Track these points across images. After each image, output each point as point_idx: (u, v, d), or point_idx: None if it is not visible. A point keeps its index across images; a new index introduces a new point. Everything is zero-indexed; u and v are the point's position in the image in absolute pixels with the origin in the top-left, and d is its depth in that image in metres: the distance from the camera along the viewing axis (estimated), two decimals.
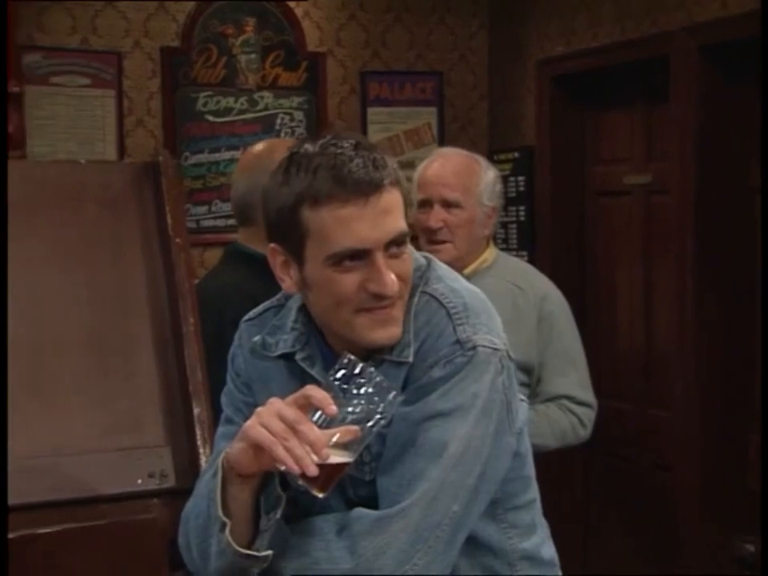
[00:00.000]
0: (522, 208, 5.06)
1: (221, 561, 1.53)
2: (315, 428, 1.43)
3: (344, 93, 5.32)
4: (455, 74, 5.43)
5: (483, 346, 1.56)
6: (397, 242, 1.55)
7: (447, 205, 3.02)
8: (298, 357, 1.64)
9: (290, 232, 1.54)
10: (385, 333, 1.55)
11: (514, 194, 5.06)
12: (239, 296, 2.40)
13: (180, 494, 1.83)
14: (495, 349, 1.57)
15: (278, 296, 1.74)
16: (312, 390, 1.45)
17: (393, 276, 1.53)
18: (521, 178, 5.08)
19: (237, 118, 5.13)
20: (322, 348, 1.65)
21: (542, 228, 4.98)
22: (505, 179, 5.18)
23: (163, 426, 1.98)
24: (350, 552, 1.49)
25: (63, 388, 2.08)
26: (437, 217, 3.02)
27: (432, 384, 1.54)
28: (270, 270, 2.52)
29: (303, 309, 1.66)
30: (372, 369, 1.48)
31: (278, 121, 5.19)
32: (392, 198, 1.53)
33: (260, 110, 5.18)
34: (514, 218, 5.08)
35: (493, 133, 5.41)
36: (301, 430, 1.41)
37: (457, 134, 5.36)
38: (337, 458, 1.43)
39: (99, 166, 2.57)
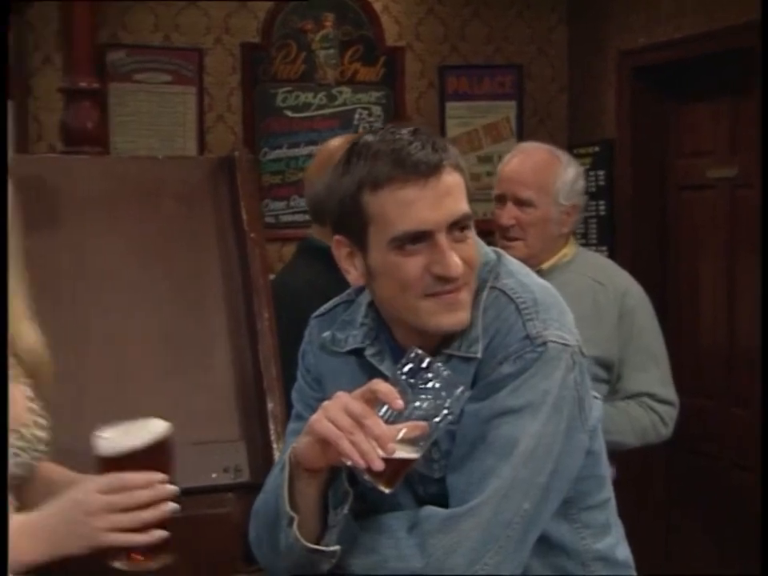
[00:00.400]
0: (601, 203, 5.00)
1: (290, 556, 1.53)
2: (381, 422, 1.42)
3: (422, 87, 5.31)
4: (534, 67, 5.39)
5: (554, 342, 1.53)
6: (459, 224, 1.53)
7: (520, 203, 2.99)
8: (367, 353, 1.63)
9: (352, 221, 1.54)
10: (452, 318, 1.53)
11: (593, 189, 4.99)
12: (313, 292, 2.41)
13: (254, 489, 1.83)
14: (566, 344, 1.55)
15: (348, 291, 1.74)
16: (378, 384, 1.44)
17: (457, 258, 1.50)
18: (600, 172, 5.01)
19: (315, 113, 5.15)
20: (390, 344, 1.63)
21: (622, 223, 4.91)
22: (584, 173, 5.11)
23: (238, 420, 1.99)
24: (419, 550, 1.48)
25: (141, 382, 2.10)
26: (509, 214, 2.99)
27: (502, 380, 1.52)
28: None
29: (372, 305, 1.65)
30: (439, 363, 1.46)
31: (356, 116, 5.20)
32: (452, 180, 1.52)
33: (338, 106, 5.19)
34: (593, 213, 5.02)
35: (572, 126, 5.35)
36: (367, 424, 1.40)
37: (536, 128, 5.31)
38: (403, 453, 1.42)
39: (176, 161, 2.59)
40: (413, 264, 1.51)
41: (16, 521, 1.49)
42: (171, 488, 1.42)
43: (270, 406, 2.10)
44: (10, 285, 1.59)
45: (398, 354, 1.60)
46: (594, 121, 5.17)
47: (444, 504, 1.53)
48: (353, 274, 1.59)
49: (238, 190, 2.20)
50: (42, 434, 1.65)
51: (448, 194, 1.51)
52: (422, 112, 5.29)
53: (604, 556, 1.68)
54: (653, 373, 3.01)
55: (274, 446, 2.09)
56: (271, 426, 2.09)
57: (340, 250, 1.60)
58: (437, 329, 1.54)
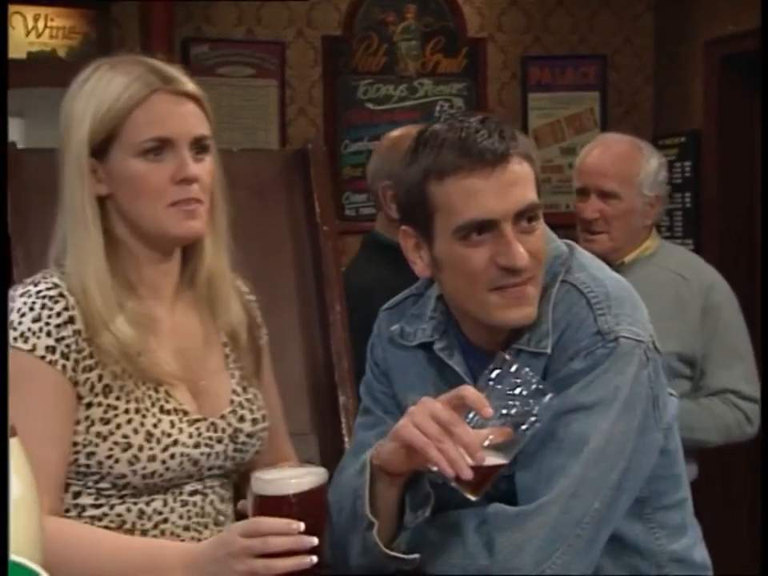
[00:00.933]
0: (687, 195, 4.89)
1: (364, 559, 1.51)
2: (470, 429, 1.38)
3: (504, 78, 5.26)
4: (619, 58, 5.30)
5: (626, 338, 1.49)
6: (526, 214, 1.50)
7: (604, 195, 2.93)
8: (436, 347, 1.60)
9: (418, 210, 1.52)
10: (519, 312, 1.50)
11: (679, 180, 4.89)
12: (376, 288, 2.40)
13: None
14: (639, 341, 1.51)
15: (417, 284, 1.71)
16: (466, 391, 1.41)
17: (523, 249, 1.47)
18: (687, 164, 4.91)
19: (396, 105, 5.14)
20: (459, 338, 1.61)
21: (709, 216, 4.80)
22: (670, 165, 5.00)
23: (309, 413, 1.99)
24: (486, 548, 1.45)
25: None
26: (593, 207, 2.94)
27: (572, 376, 1.48)
28: (403, 256, 2.53)
29: (442, 298, 1.63)
30: (527, 369, 1.42)
31: (438, 108, 5.17)
32: (520, 170, 1.49)
33: (419, 98, 5.17)
34: (679, 205, 4.92)
35: (658, 117, 5.25)
36: (455, 432, 1.37)
37: (620, 119, 5.23)
38: (491, 460, 1.39)
39: (251, 154, 2.61)
40: (478, 255, 1.48)
41: (176, 548, 1.49)
42: (311, 540, 1.38)
43: (341, 399, 2.09)
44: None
45: (467, 349, 1.59)
46: (680, 111, 5.07)
47: (514, 501, 1.50)
48: (419, 265, 1.58)
49: (311, 182, 2.20)
50: (241, 425, 1.64)
51: (515, 184, 1.48)
52: (504, 103, 5.24)
53: (680, 557, 1.64)
54: (737, 369, 2.94)
55: (346, 439, 2.08)
56: (343, 420, 2.08)
57: (406, 240, 1.58)
58: (503, 323, 1.52)
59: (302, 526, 1.37)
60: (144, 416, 1.55)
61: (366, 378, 1.74)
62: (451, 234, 1.49)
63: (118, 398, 1.55)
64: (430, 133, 1.52)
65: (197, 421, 1.60)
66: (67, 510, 1.58)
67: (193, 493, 1.60)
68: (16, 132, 4.20)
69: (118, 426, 1.54)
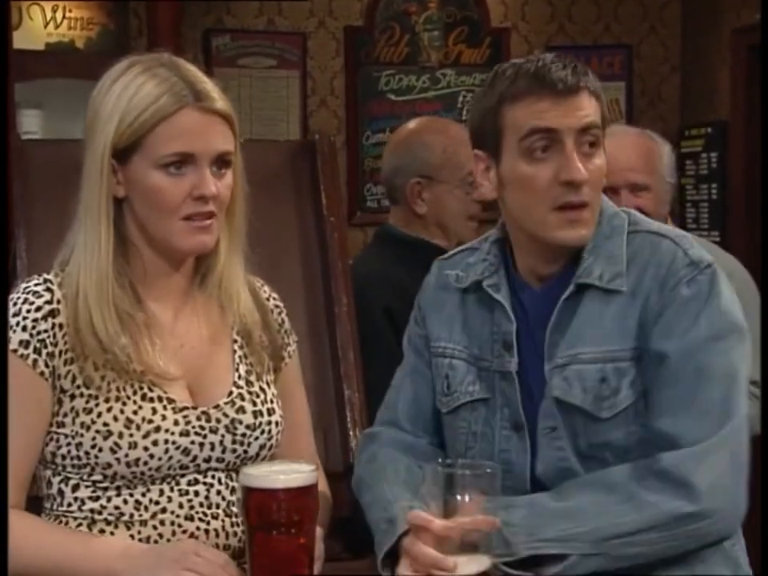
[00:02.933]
0: (714, 186, 4.83)
1: None
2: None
3: None
4: (645, 47, 5.23)
5: (712, 263, 1.58)
6: (589, 134, 1.57)
7: (636, 189, 2.87)
8: (485, 283, 1.66)
9: (489, 132, 1.60)
10: (574, 233, 1.57)
11: (705, 172, 4.83)
12: (383, 282, 2.38)
13: (331, 477, 1.80)
14: (712, 264, 1.59)
15: (475, 240, 1.80)
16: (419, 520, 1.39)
17: (582, 166, 1.55)
18: (713, 155, 4.84)
19: (418, 96, 5.10)
20: (510, 277, 1.66)
21: (735, 207, 4.73)
22: (696, 156, 4.96)
23: (315, 407, 1.95)
24: (678, 491, 1.45)
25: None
26: (629, 203, 2.87)
27: (685, 305, 1.53)
28: (417, 252, 2.51)
29: (496, 242, 1.71)
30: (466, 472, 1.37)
31: (460, 99, 5.13)
32: (588, 103, 1.57)
33: (442, 88, 5.13)
34: (705, 197, 4.86)
35: (684, 107, 5.18)
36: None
37: (645, 110, 5.17)
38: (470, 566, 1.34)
39: (257, 145, 2.57)
40: (542, 173, 1.56)
41: (118, 544, 1.53)
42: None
43: (347, 393, 2.07)
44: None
45: (515, 286, 1.65)
46: (706, 101, 5.00)
47: (604, 458, 1.52)
48: (486, 187, 1.65)
49: (318, 173, 2.17)
50: (240, 416, 1.63)
51: (581, 109, 1.56)
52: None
53: None
54: (756, 359, 2.89)
55: (351, 433, 2.05)
56: (348, 414, 2.05)
57: (477, 164, 1.65)
58: (561, 242, 1.58)
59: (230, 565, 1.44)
60: (124, 403, 1.55)
61: (407, 331, 1.81)
62: (517, 150, 1.57)
63: (99, 388, 1.55)
64: (509, 64, 1.61)
65: (185, 409, 1.58)
66: (69, 505, 1.58)
67: (192, 483, 1.59)
68: (34, 123, 4.20)
69: (99, 415, 1.54)
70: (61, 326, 1.56)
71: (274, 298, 1.77)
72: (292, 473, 1.41)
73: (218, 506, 1.60)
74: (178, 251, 1.61)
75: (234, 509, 1.61)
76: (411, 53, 5.09)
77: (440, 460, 1.44)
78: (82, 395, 1.55)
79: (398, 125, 4.99)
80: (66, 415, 1.55)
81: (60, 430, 1.56)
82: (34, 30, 4.54)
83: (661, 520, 1.44)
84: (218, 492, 1.61)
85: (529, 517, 1.45)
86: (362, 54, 5.04)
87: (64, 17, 4.60)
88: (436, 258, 2.55)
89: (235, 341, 1.68)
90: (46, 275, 1.61)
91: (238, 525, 1.60)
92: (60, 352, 1.55)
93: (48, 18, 4.58)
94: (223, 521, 1.60)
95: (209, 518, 1.59)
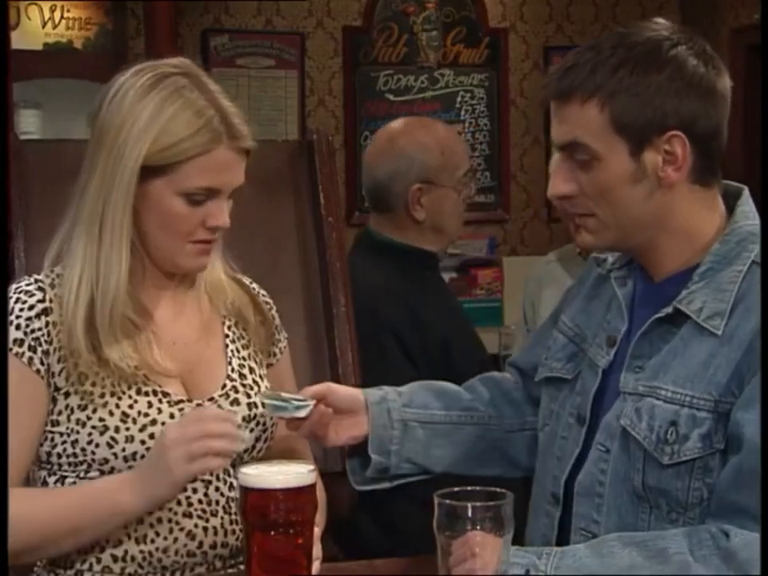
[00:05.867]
0: None
1: None
2: None
3: (526, 69, 5.20)
4: None
5: None
6: (573, 150, 1.46)
7: None
8: (613, 275, 1.56)
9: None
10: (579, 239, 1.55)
11: None
12: (369, 288, 2.34)
13: (330, 477, 1.80)
14: None
15: None
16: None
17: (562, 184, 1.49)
18: None
19: (416, 96, 5.10)
20: (640, 273, 1.54)
21: None
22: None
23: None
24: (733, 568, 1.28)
25: None
26: None
27: None
28: (416, 262, 2.46)
29: None
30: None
31: (459, 99, 5.13)
32: (579, 113, 1.45)
33: (440, 88, 5.13)
34: None
35: None
36: None
37: None
38: None
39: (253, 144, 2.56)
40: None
41: (112, 479, 1.54)
42: (238, 420, 1.54)
43: None
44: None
45: (643, 285, 1.53)
46: None
47: (660, 502, 1.39)
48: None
49: (316, 173, 2.16)
50: (234, 408, 1.64)
51: (563, 123, 1.47)
52: (525, 94, 5.20)
53: None
54: None
55: None
56: None
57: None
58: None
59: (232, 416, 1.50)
60: (120, 398, 1.55)
61: None
62: None
63: (93, 384, 1.55)
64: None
65: (180, 402, 1.59)
66: None
67: (190, 479, 1.58)
68: (32, 123, 4.20)
69: (95, 411, 1.54)
70: (54, 324, 1.56)
71: (264, 295, 1.79)
72: (290, 473, 1.40)
73: (217, 503, 1.60)
74: (179, 269, 1.63)
75: (234, 506, 1.61)
76: (409, 53, 5.09)
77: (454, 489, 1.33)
78: (76, 392, 1.55)
79: None
80: (60, 413, 1.56)
81: (55, 429, 1.56)
82: (32, 30, 4.54)
83: None
84: (217, 488, 1.61)
85: (559, 568, 1.33)
86: (360, 54, 5.04)
87: (62, 17, 4.60)
88: (426, 264, 2.52)
89: (227, 335, 1.69)
90: (36, 276, 1.62)
91: (237, 522, 1.60)
92: (54, 350, 1.56)
93: (46, 18, 4.58)
94: (222, 518, 1.59)
95: (207, 515, 1.59)
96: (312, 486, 1.40)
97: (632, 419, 1.43)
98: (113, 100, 1.58)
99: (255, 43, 5.00)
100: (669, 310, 1.44)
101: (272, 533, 1.37)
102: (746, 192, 1.54)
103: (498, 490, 1.32)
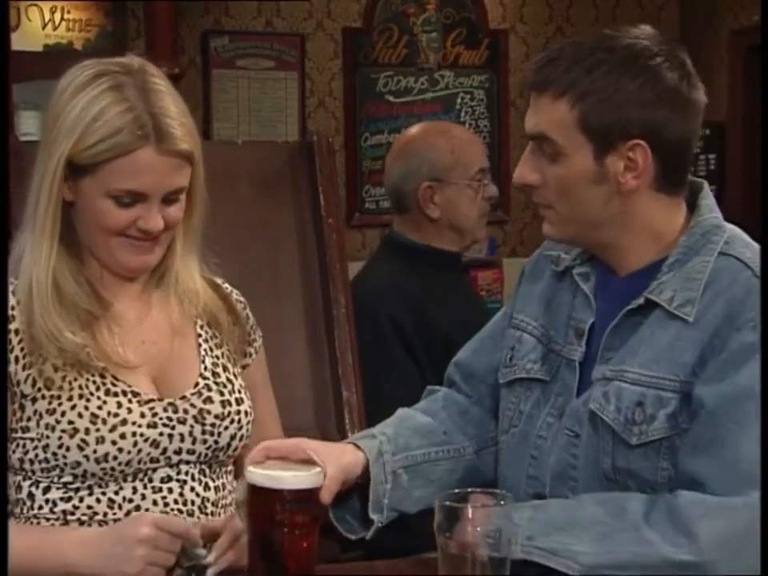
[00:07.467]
0: (712, 188, 4.78)
1: None
2: None
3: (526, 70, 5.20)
4: None
5: None
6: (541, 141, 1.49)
7: None
8: (575, 271, 1.57)
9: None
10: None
11: (703, 173, 4.83)
12: (392, 290, 2.35)
13: None
14: None
15: None
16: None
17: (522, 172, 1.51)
18: (711, 156, 4.84)
19: (416, 97, 5.10)
20: (602, 268, 1.55)
21: (733, 210, 4.72)
22: (695, 157, 4.95)
23: (312, 409, 1.96)
24: (679, 536, 1.34)
25: None
26: None
27: (744, 351, 1.39)
28: (429, 261, 2.48)
29: None
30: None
31: (459, 100, 5.13)
32: (550, 106, 1.46)
33: (440, 90, 5.13)
34: None
35: None
36: None
37: None
38: None
39: (255, 146, 2.58)
40: None
41: (74, 530, 1.52)
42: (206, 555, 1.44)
43: (345, 394, 2.05)
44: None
45: (604, 279, 1.54)
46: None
47: (629, 483, 1.43)
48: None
49: (316, 175, 2.16)
50: (208, 406, 1.62)
51: (534, 114, 1.49)
52: (525, 96, 5.18)
53: None
54: None
55: (349, 435, 2.04)
56: (346, 415, 2.04)
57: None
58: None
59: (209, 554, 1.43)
60: (88, 400, 1.53)
61: None
62: None
63: (60, 388, 1.53)
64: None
65: (150, 401, 1.57)
66: (40, 507, 1.56)
67: (166, 479, 1.58)
68: (32, 125, 4.20)
69: (63, 414, 1.52)
70: (17, 332, 1.54)
71: (237, 294, 1.76)
72: (299, 473, 1.40)
73: (192, 503, 1.59)
74: (120, 267, 1.59)
75: (209, 506, 1.60)
76: (409, 54, 5.09)
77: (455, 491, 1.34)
78: (43, 397, 1.53)
79: (396, 126, 5.06)
80: (29, 419, 1.53)
81: (26, 435, 1.54)
82: (33, 32, 4.54)
83: (655, 561, 1.35)
84: (192, 489, 1.59)
85: (531, 520, 1.39)
86: (360, 55, 5.04)
87: (62, 18, 4.60)
88: (447, 264, 2.54)
89: (200, 335, 1.67)
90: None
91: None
92: (16, 358, 1.54)
93: (46, 20, 4.58)
94: (198, 518, 1.57)
95: (184, 515, 1.57)
96: (319, 489, 1.40)
97: (600, 403, 1.47)
98: (53, 99, 1.56)
99: (255, 44, 5.00)
100: (640, 301, 1.47)
101: (277, 533, 1.37)
102: (706, 186, 1.59)
103: (498, 491, 1.35)
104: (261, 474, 1.38)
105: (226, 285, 1.75)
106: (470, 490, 1.33)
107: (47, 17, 4.58)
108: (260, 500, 1.37)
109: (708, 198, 1.56)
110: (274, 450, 1.45)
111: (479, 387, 1.72)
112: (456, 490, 1.33)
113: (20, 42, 4.33)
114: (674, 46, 1.49)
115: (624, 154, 1.45)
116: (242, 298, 1.76)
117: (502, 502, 1.31)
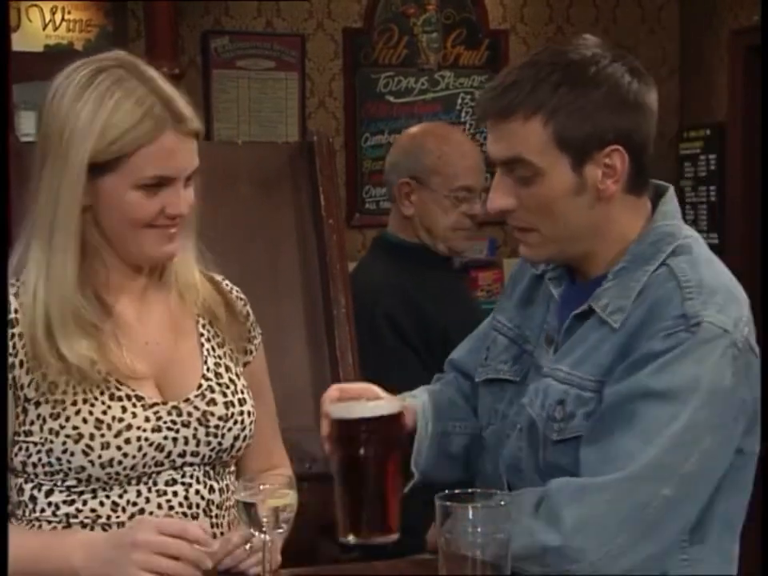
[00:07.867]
0: (712, 188, 4.83)
1: None
2: None
3: None
4: (643, 49, 5.22)
5: (711, 324, 1.43)
6: (515, 166, 1.52)
7: None
8: (547, 276, 1.62)
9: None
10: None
11: (704, 174, 4.83)
12: (386, 290, 2.36)
13: (329, 479, 1.79)
14: (725, 330, 1.43)
15: None
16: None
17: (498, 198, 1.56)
18: (711, 157, 4.84)
19: (417, 98, 5.10)
20: (567, 273, 1.61)
21: (733, 210, 4.73)
22: (694, 158, 4.96)
23: (313, 409, 1.95)
24: (551, 524, 1.40)
25: None
26: None
27: (648, 358, 1.43)
28: (417, 259, 2.50)
29: None
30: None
31: (459, 101, 5.13)
32: (521, 130, 1.50)
33: (441, 90, 5.12)
34: (704, 199, 4.85)
35: (682, 109, 5.18)
36: None
37: None
38: None
39: (255, 146, 2.58)
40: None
41: (77, 533, 1.52)
42: (206, 562, 1.43)
43: None
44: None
45: (567, 284, 1.60)
46: (704, 103, 5.00)
47: (559, 475, 1.47)
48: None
49: (316, 175, 2.17)
50: (211, 408, 1.64)
51: (500, 141, 1.52)
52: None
53: None
54: None
55: None
56: None
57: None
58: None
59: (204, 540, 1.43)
60: (92, 405, 1.54)
61: None
62: None
63: (64, 392, 1.53)
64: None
65: (154, 405, 1.57)
66: (42, 510, 1.56)
67: (170, 482, 1.58)
68: (32, 125, 4.20)
69: (68, 419, 1.53)
70: (21, 336, 1.54)
71: (238, 291, 1.77)
72: (379, 402, 1.47)
73: (197, 506, 1.60)
74: (144, 259, 1.61)
75: (214, 508, 1.60)
76: (409, 55, 5.09)
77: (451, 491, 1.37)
78: (47, 401, 1.53)
79: (396, 126, 5.06)
80: (32, 423, 1.54)
81: (29, 439, 1.54)
82: (33, 32, 4.54)
83: (534, 550, 1.40)
84: (197, 491, 1.60)
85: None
86: (360, 55, 5.04)
87: (63, 19, 4.60)
88: (435, 263, 2.55)
89: (202, 334, 1.67)
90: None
91: (218, 526, 1.61)
92: (20, 362, 1.53)
93: (47, 20, 4.58)
94: (203, 522, 1.58)
95: (188, 518, 1.58)
96: (400, 415, 1.47)
97: (531, 398, 1.55)
98: (52, 103, 1.56)
99: (255, 45, 4.99)
100: (585, 307, 1.53)
101: (361, 460, 1.41)
102: (671, 191, 1.60)
103: (498, 491, 1.38)
104: (340, 407, 1.46)
105: (227, 282, 1.75)
106: (470, 490, 1.35)
107: (48, 17, 4.58)
108: (344, 431, 1.44)
109: (669, 204, 1.57)
110: (347, 391, 1.55)
111: (465, 383, 1.78)
112: (456, 491, 1.34)
113: (20, 42, 4.33)
114: (621, 51, 1.54)
115: (600, 161, 1.48)
116: (242, 295, 1.77)
117: (502, 503, 1.31)
